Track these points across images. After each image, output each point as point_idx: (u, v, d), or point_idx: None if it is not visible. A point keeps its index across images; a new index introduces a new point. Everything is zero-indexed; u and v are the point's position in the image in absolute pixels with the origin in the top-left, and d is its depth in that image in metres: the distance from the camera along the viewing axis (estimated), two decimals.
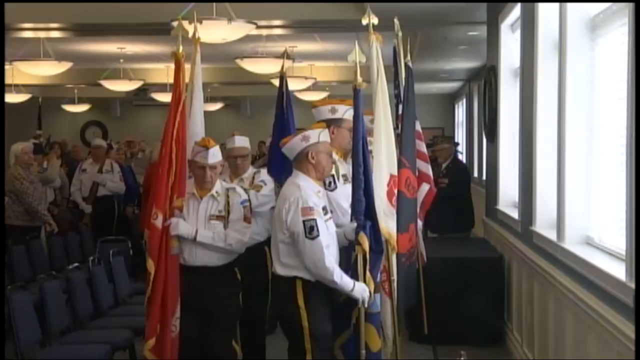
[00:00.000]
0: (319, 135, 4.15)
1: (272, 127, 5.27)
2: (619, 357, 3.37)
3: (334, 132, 4.46)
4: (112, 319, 5.87)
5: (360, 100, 4.24)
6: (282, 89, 5.36)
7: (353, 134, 4.28)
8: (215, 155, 4.52)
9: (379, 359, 4.43)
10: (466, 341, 6.20)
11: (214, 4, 7.50)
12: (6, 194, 7.86)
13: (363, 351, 4.12)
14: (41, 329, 5.09)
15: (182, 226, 4.42)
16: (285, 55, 5.89)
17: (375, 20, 4.65)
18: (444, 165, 8.07)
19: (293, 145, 4.18)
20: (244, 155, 5.36)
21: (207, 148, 4.46)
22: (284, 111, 5.26)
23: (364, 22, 4.68)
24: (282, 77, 5.43)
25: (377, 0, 6.25)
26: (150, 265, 4.34)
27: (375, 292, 4.28)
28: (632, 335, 3.16)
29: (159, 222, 4.36)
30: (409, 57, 5.65)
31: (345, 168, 4.57)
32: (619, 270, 3.51)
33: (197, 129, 4.77)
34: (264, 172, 5.31)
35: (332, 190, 4.43)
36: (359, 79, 4.22)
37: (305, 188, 4.06)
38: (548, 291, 4.90)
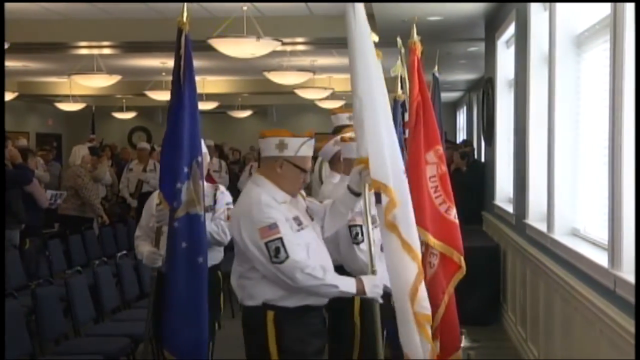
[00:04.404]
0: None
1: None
2: (600, 334, 3.36)
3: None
4: None
5: (397, 110, 4.25)
6: (180, 52, 3.45)
7: None
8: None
9: None
10: (466, 321, 6.18)
11: (244, 23, 7.55)
12: (66, 188, 8.03)
13: None
14: (95, 308, 5.16)
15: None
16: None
17: (375, 39, 4.65)
18: (467, 163, 8.61)
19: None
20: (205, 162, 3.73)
21: None
22: (180, 85, 3.47)
23: None
24: (181, 31, 3.45)
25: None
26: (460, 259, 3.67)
27: None
28: (613, 314, 3.16)
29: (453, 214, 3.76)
30: (436, 68, 5.74)
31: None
32: (601, 258, 3.49)
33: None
34: (223, 189, 4.14)
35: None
36: (400, 91, 4.22)
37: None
38: (539, 277, 4.87)
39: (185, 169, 3.47)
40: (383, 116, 2.99)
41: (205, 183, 3.89)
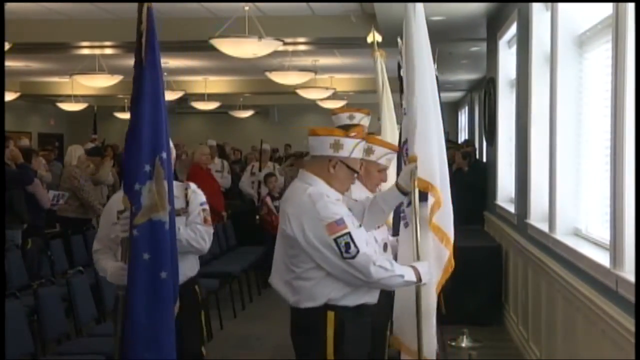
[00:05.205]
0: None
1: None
2: (603, 334, 3.36)
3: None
4: None
5: None
6: (141, 28, 2.92)
7: None
8: None
9: None
10: (468, 321, 6.18)
11: (246, 23, 7.55)
12: (64, 190, 8.01)
13: None
14: (96, 307, 5.16)
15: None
16: None
17: (379, 38, 4.66)
18: (469, 163, 8.64)
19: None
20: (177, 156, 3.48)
21: None
22: (142, 67, 2.99)
23: (369, 40, 4.64)
24: (142, 4, 2.90)
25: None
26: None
27: None
28: (615, 314, 3.15)
29: None
30: (435, 66, 5.69)
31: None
32: (603, 258, 3.49)
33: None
34: (194, 187, 3.66)
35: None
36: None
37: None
38: (540, 277, 4.87)
39: (147, 168, 2.91)
40: (434, 117, 3.09)
41: (174, 182, 3.40)
